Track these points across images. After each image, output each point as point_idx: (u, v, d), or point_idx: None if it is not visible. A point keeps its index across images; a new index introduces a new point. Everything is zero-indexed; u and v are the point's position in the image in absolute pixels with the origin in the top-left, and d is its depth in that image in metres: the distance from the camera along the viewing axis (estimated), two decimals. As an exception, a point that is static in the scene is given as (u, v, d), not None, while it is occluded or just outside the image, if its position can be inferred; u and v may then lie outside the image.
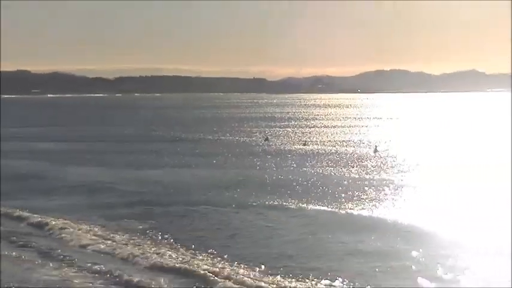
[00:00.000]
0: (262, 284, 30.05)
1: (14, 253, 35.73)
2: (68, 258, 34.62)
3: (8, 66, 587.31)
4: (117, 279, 31.03)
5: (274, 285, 30.17)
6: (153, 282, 30.49)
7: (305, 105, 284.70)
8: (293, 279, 30.59)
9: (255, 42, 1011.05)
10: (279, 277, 30.93)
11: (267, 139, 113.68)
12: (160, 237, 39.23)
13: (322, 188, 58.29)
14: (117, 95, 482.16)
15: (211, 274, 31.40)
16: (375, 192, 56.16)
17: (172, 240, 38.55)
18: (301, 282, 30.22)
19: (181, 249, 36.59)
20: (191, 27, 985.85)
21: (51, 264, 33.36)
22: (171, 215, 46.42)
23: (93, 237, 39.74)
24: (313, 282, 30.19)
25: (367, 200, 52.33)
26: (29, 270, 32.35)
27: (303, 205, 49.89)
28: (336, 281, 30.25)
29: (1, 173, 65.73)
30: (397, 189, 58.18)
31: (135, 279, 30.93)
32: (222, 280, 30.69)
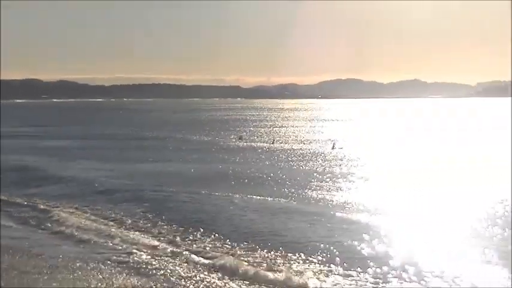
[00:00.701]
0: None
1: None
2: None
3: (21, 75, 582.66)
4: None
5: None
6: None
7: (274, 109, 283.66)
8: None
9: (230, 55, 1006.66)
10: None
11: (240, 138, 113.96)
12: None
13: (280, 179, 58.22)
14: (112, 99, 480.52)
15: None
16: (327, 183, 56.01)
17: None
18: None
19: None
20: (173, 43, 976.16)
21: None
22: (158, 199, 46.19)
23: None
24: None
25: (320, 187, 52.86)
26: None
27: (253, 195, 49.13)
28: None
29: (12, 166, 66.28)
30: (349, 180, 57.99)
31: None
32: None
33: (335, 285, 26.68)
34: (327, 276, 27.45)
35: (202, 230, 36.11)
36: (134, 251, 31.49)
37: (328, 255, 30.20)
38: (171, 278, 26.96)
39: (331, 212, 41.58)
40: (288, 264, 29.16)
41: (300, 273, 27.79)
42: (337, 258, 29.79)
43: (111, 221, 39.72)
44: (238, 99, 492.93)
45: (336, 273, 27.90)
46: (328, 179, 58.10)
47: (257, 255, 30.90)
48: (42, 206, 44.55)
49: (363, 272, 27.98)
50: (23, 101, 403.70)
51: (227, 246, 32.78)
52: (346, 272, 28.30)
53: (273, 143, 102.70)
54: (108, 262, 29.34)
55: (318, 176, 60.95)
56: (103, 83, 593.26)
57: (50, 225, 38.68)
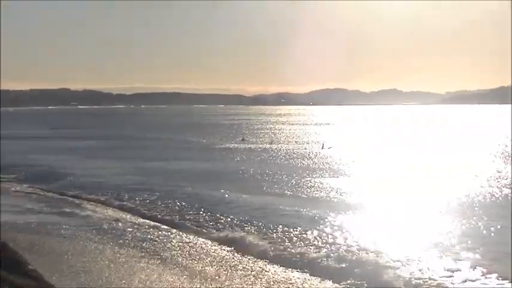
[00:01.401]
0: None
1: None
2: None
3: (53, 85, 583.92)
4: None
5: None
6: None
7: (271, 114, 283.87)
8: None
9: (232, 68, 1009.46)
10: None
11: (243, 139, 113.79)
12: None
13: (275, 176, 57.83)
14: (131, 106, 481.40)
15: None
16: (316, 179, 55.79)
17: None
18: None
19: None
20: (183, 57, 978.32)
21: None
22: (166, 190, 45.98)
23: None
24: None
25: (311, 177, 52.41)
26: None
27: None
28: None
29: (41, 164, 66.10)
30: (334, 176, 58.12)
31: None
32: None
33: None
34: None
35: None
36: (150, 236, 31.46)
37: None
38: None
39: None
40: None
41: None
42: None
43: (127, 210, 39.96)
44: (241, 106, 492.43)
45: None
46: (316, 175, 57.99)
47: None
48: (65, 196, 44.94)
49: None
50: (55, 107, 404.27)
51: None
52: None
53: (271, 144, 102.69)
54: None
55: (308, 172, 60.82)
56: (124, 92, 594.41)
57: (77, 211, 38.89)
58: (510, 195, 45.89)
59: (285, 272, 25.17)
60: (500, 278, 23.82)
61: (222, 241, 30.72)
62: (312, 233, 31.45)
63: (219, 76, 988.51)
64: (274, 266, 26.04)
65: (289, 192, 47.60)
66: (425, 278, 24.11)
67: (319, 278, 24.29)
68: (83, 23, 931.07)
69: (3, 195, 46.46)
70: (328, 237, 30.79)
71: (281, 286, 23.15)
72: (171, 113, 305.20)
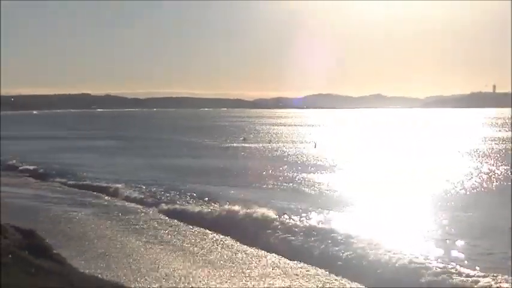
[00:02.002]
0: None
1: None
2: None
3: (76, 90, 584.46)
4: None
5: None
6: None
7: (270, 117, 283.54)
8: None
9: (234, 75, 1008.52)
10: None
11: (245, 139, 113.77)
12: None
13: (273, 171, 58.12)
14: (144, 109, 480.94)
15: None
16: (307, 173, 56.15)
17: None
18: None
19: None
20: (189, 65, 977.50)
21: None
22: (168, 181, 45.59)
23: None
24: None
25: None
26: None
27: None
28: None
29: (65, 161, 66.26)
30: (325, 171, 58.34)
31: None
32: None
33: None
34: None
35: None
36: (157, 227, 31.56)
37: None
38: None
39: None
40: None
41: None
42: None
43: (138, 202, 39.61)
44: (242, 109, 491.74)
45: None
46: (309, 170, 58.38)
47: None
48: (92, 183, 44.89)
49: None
50: (77, 110, 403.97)
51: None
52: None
53: (269, 143, 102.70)
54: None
55: (301, 166, 61.35)
56: (138, 97, 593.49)
57: (94, 201, 39.10)
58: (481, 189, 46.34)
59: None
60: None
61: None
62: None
63: (222, 82, 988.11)
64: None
65: (285, 187, 47.85)
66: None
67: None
68: (104, 34, 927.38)
69: (29, 188, 46.71)
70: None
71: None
72: (180, 115, 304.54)
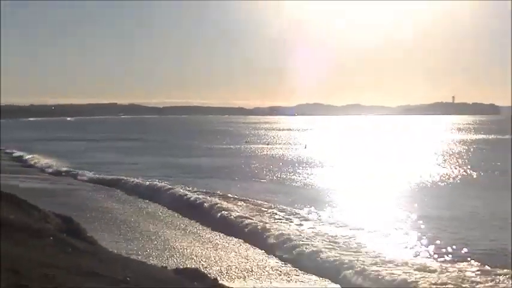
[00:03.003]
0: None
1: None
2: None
3: (104, 100, 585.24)
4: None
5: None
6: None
7: (267, 123, 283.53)
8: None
9: (236, 86, 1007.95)
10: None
11: (247, 141, 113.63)
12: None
13: (267, 168, 58.13)
14: (162, 116, 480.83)
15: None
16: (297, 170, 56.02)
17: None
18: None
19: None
20: (201, 77, 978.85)
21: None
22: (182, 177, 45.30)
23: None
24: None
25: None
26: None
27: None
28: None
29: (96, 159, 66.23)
30: (313, 168, 58.31)
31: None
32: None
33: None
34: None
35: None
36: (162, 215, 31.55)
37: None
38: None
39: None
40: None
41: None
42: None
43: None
44: (243, 116, 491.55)
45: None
46: (300, 167, 58.40)
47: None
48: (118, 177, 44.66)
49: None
50: (106, 117, 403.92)
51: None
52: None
53: (267, 145, 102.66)
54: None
55: (293, 164, 61.33)
56: (157, 106, 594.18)
57: (120, 194, 38.74)
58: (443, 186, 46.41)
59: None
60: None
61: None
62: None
63: (226, 93, 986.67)
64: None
65: (276, 181, 47.98)
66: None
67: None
68: (127, 51, 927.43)
69: (65, 182, 46.72)
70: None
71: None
72: (191, 121, 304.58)
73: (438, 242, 24.43)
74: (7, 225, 12.62)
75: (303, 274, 20.23)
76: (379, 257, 21.67)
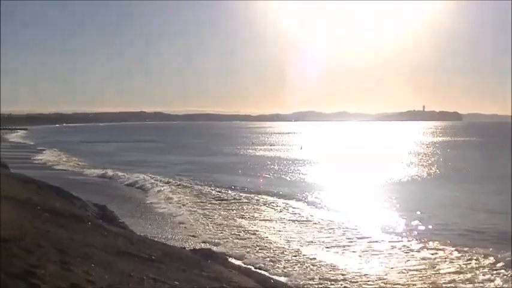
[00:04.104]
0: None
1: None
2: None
3: (134, 109, 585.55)
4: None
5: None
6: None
7: (269, 127, 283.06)
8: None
9: (243, 96, 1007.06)
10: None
11: (253, 143, 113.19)
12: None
13: (264, 165, 57.95)
14: (182, 122, 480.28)
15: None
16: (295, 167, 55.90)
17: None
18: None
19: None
20: (213, 88, 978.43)
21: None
22: (200, 173, 45.44)
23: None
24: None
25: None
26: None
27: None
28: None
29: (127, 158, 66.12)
30: (306, 166, 58.10)
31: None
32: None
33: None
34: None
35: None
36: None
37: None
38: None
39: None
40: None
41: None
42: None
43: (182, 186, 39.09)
44: (249, 122, 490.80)
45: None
46: (297, 165, 58.27)
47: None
48: (146, 176, 43.89)
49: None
50: (135, 123, 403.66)
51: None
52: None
53: (271, 146, 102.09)
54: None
55: (291, 162, 61.09)
56: (177, 113, 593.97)
57: (148, 186, 38.47)
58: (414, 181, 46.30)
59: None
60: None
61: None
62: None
63: (235, 102, 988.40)
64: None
65: (275, 175, 47.92)
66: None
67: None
68: (152, 65, 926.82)
69: (102, 175, 46.63)
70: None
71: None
72: (207, 126, 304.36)
73: (420, 223, 24.61)
74: (54, 212, 12.70)
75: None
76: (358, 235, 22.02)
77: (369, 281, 16.09)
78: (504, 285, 16.16)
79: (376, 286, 15.69)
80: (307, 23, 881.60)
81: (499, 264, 18.04)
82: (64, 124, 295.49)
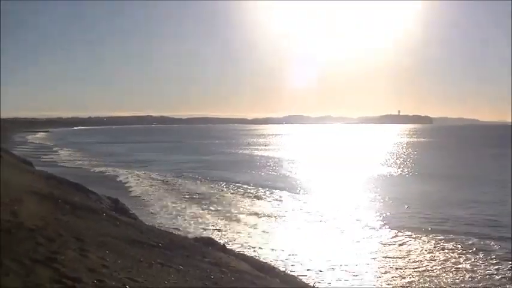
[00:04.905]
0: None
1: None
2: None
3: (142, 113, 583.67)
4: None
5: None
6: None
7: (262, 129, 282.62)
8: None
9: (238, 101, 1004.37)
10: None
11: (248, 144, 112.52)
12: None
13: (254, 163, 57.60)
14: (185, 125, 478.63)
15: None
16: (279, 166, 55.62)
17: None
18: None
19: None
20: (213, 95, 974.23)
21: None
22: (201, 170, 45.07)
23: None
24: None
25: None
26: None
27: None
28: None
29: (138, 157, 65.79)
30: (295, 164, 57.62)
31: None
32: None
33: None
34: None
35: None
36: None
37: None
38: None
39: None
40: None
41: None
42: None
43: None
44: (244, 125, 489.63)
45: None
46: (285, 162, 57.91)
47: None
48: (154, 175, 43.36)
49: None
50: (143, 126, 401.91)
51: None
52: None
53: (265, 146, 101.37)
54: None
55: (280, 159, 60.80)
56: (181, 117, 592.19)
57: (160, 180, 38.36)
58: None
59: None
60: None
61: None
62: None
63: (231, 107, 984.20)
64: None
65: (266, 172, 47.74)
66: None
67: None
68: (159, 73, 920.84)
69: (115, 174, 46.41)
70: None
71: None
72: (207, 129, 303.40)
73: (399, 216, 24.68)
74: (72, 205, 12.71)
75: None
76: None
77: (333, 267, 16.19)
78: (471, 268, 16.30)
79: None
80: (298, 34, 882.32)
81: (458, 246, 18.43)
82: (80, 127, 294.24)
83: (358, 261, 16.71)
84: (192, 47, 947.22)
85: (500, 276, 15.52)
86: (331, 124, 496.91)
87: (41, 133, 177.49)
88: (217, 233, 20.82)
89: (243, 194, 32.07)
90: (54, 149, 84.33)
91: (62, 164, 53.36)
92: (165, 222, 22.40)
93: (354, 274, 15.39)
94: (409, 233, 20.78)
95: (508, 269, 16.08)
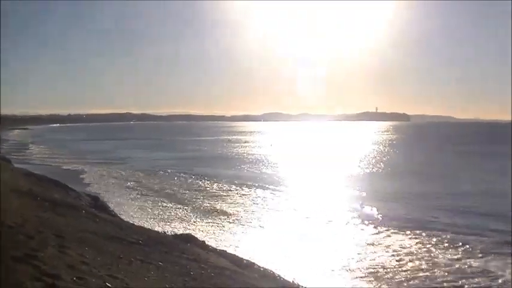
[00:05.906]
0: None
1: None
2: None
3: (122, 110, 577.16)
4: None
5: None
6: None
7: (241, 127, 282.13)
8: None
9: (220, 100, 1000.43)
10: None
11: (229, 140, 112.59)
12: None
13: (233, 159, 57.51)
14: (166, 122, 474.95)
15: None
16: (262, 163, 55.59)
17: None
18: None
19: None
20: (194, 94, 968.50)
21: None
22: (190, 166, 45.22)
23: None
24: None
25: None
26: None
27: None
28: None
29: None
30: (276, 161, 57.84)
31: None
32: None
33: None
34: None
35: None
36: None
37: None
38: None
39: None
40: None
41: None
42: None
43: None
44: (223, 122, 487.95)
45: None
46: (266, 160, 58.05)
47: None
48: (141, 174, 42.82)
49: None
50: (122, 123, 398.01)
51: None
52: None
53: (244, 143, 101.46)
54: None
55: (260, 157, 60.82)
56: (162, 114, 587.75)
57: (139, 179, 38.05)
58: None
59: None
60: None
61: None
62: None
63: (212, 105, 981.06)
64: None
65: (246, 168, 47.75)
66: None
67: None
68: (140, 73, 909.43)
69: (98, 172, 45.88)
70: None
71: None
72: (189, 126, 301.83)
73: (367, 210, 25.10)
74: (52, 201, 12.63)
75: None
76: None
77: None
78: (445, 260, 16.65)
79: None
80: (278, 33, 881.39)
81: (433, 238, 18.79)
82: (60, 124, 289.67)
83: (336, 256, 16.93)
84: (172, 47, 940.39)
85: (471, 270, 15.89)
86: (310, 122, 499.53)
87: (18, 130, 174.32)
88: (195, 229, 20.82)
89: (222, 190, 32.10)
90: (30, 146, 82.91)
91: (27, 161, 51.71)
92: (144, 219, 22.29)
93: (332, 269, 15.63)
94: (385, 228, 21.09)
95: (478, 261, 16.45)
